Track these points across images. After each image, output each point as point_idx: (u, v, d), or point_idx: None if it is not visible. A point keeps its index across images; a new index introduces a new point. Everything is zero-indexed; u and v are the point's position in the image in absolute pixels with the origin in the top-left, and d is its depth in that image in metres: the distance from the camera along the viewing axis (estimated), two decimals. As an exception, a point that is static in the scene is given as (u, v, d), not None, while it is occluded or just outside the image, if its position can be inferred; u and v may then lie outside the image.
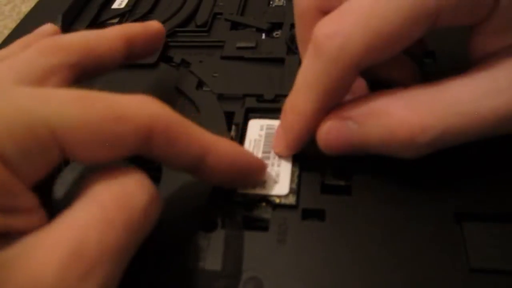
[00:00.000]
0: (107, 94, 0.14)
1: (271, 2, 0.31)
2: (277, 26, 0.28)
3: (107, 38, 0.19)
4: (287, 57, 0.25)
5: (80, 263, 0.11)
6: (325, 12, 0.18)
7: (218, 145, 0.16)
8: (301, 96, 0.17)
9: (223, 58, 0.26)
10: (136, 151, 0.14)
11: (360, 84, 0.20)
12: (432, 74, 0.22)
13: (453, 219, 0.17)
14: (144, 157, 0.15)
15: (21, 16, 0.35)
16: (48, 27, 0.22)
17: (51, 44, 0.18)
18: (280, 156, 0.19)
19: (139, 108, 0.14)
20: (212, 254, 0.17)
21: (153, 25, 0.22)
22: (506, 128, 0.15)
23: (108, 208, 0.13)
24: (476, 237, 0.16)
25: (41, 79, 0.17)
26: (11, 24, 0.41)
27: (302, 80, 0.17)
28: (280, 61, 0.25)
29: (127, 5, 0.32)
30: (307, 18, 0.19)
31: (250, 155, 0.18)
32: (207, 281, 0.16)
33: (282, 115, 0.19)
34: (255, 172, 0.18)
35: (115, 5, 0.33)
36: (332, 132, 0.17)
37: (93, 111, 0.13)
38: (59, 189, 0.19)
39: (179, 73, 0.25)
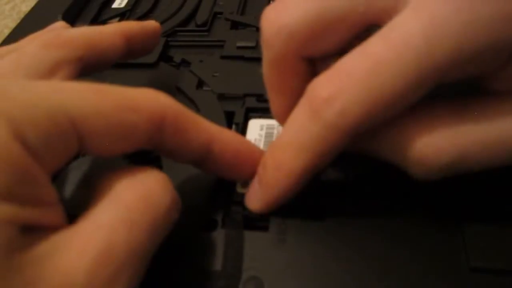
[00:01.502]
0: (118, 87, 0.14)
1: (271, 1, 0.31)
2: (277, 25, 0.28)
3: (108, 34, 0.20)
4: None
5: (110, 264, 0.12)
6: (305, 58, 0.16)
7: (223, 133, 0.16)
8: (290, 154, 0.16)
9: (223, 57, 0.26)
10: (149, 142, 0.14)
11: None
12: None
13: (453, 219, 0.17)
14: (153, 151, 0.15)
15: (21, 15, 0.35)
16: (59, 25, 0.22)
17: (56, 38, 0.18)
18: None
19: (150, 99, 0.14)
20: (212, 254, 0.17)
21: (150, 24, 0.22)
22: None
23: (134, 208, 0.13)
24: (476, 237, 0.16)
25: (48, 74, 0.17)
26: (11, 23, 0.41)
27: (291, 138, 0.16)
28: (280, 60, 0.25)
29: (127, 4, 0.32)
30: (284, 64, 0.16)
31: (253, 145, 0.18)
32: (207, 281, 0.16)
33: (261, 170, 0.17)
34: (258, 161, 0.18)
35: (115, 5, 0.33)
36: None
37: (108, 101, 0.13)
38: (59, 187, 0.19)
39: (179, 72, 0.25)
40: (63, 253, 0.11)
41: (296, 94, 0.16)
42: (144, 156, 0.21)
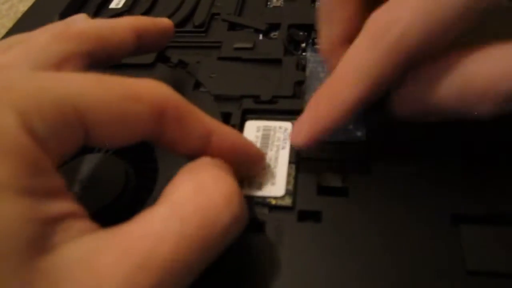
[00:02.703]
0: (121, 77, 0.14)
1: (268, 3, 0.31)
2: (275, 27, 0.28)
3: (119, 28, 0.20)
4: (284, 58, 0.25)
5: (150, 276, 0.11)
6: None
7: (221, 127, 0.16)
8: (346, 83, 0.16)
9: (220, 58, 0.26)
10: (150, 132, 0.14)
11: None
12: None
13: (450, 221, 0.17)
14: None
15: (19, 15, 0.35)
16: (81, 16, 0.22)
17: (66, 31, 0.18)
18: (276, 157, 0.19)
19: (153, 89, 0.14)
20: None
21: (163, 21, 0.22)
22: None
23: (188, 221, 0.12)
24: (473, 239, 0.16)
25: (56, 66, 0.17)
26: (8, 23, 0.41)
27: (349, 66, 0.16)
28: (277, 62, 0.25)
29: (124, 5, 0.32)
30: None
31: (250, 141, 0.18)
32: (203, 282, 0.16)
33: (313, 103, 0.17)
34: (255, 158, 0.18)
35: (112, 5, 0.32)
36: (406, 92, 0.16)
37: (112, 91, 0.13)
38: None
39: (176, 73, 0.25)
40: (100, 256, 0.11)
41: (348, 25, 0.17)
42: (141, 157, 0.21)
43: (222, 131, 0.16)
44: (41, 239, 0.11)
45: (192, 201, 0.13)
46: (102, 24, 0.19)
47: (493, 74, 0.14)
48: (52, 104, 0.12)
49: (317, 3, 0.30)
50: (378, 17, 0.15)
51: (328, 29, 0.19)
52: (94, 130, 0.13)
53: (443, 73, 0.15)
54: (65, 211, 0.12)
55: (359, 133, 0.20)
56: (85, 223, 0.12)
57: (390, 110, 0.17)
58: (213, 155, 0.16)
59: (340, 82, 0.16)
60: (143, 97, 0.14)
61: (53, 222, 0.11)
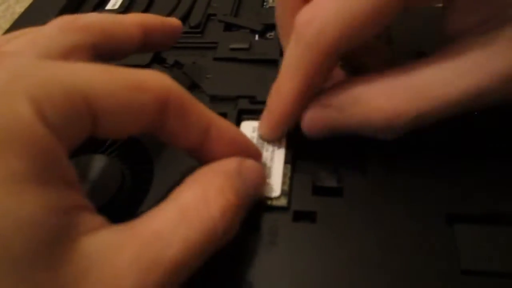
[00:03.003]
0: (126, 68, 0.14)
1: (264, 3, 0.31)
2: (271, 27, 0.28)
3: (126, 23, 0.20)
4: (280, 59, 0.25)
5: (154, 277, 0.12)
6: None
7: (221, 120, 0.17)
8: (285, 79, 0.18)
9: (216, 59, 0.26)
10: (153, 122, 0.15)
11: (339, 73, 0.21)
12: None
13: (444, 221, 0.17)
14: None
15: (15, 16, 0.35)
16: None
17: (72, 22, 0.18)
18: (272, 157, 0.19)
19: (157, 80, 0.15)
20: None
21: (171, 21, 0.23)
22: (476, 106, 0.16)
23: (194, 230, 0.13)
24: (467, 239, 0.16)
25: (62, 56, 0.17)
26: (5, 24, 0.41)
27: (286, 64, 0.18)
28: (273, 62, 0.25)
29: (120, 6, 0.32)
30: (288, 4, 0.20)
31: (246, 136, 0.18)
32: (198, 283, 0.16)
33: (268, 97, 0.19)
34: (252, 154, 0.18)
35: (109, 6, 0.32)
36: (314, 119, 0.18)
37: (119, 81, 0.14)
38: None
39: (172, 74, 0.25)
40: (117, 253, 0.12)
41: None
42: (136, 158, 0.21)
43: (221, 124, 0.16)
44: (65, 229, 0.11)
45: (196, 209, 0.14)
46: (110, 18, 0.19)
47: (389, 112, 0.16)
48: (63, 92, 0.12)
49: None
50: (301, 14, 0.17)
51: (287, 40, 0.20)
52: (101, 119, 0.13)
53: (349, 106, 0.17)
54: (80, 203, 0.12)
55: None
56: (97, 217, 0.13)
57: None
58: (211, 149, 0.16)
59: (281, 76, 0.18)
60: (148, 87, 0.14)
61: (72, 213, 0.12)
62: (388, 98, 0.16)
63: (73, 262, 0.11)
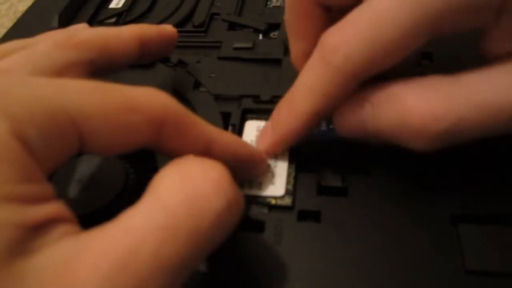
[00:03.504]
0: (121, 86, 0.14)
1: (268, 3, 0.31)
2: (274, 26, 0.28)
3: (123, 37, 0.20)
4: (284, 58, 0.25)
5: (130, 277, 0.10)
6: (321, 4, 0.18)
7: (222, 136, 0.16)
8: (301, 97, 0.17)
9: (220, 58, 0.26)
10: (148, 142, 0.14)
11: None
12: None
13: (448, 221, 0.17)
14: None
15: (18, 15, 0.35)
16: (82, 26, 0.22)
17: (69, 39, 0.18)
18: (276, 157, 0.19)
19: (152, 100, 0.14)
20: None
21: (167, 29, 0.22)
22: None
23: (173, 213, 0.11)
24: (471, 239, 0.16)
25: (57, 74, 0.17)
26: (8, 23, 0.41)
27: (304, 82, 0.17)
28: (277, 61, 0.25)
29: (124, 4, 0.32)
30: (302, 8, 0.18)
31: (251, 146, 0.18)
32: (203, 282, 0.16)
33: (275, 113, 0.19)
34: (257, 162, 0.18)
35: (112, 5, 0.32)
36: (347, 113, 0.17)
37: (110, 100, 0.13)
38: (60, 187, 0.19)
39: (176, 73, 0.25)
40: (76, 259, 0.10)
41: (313, 40, 0.17)
42: (141, 157, 0.21)
43: (223, 139, 0.16)
44: (22, 243, 0.10)
45: (178, 191, 0.12)
46: (107, 33, 0.19)
47: (426, 114, 0.15)
48: (46, 112, 0.12)
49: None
50: (327, 38, 0.16)
51: (295, 44, 0.19)
52: (89, 139, 0.13)
53: (384, 103, 0.16)
54: (51, 217, 0.11)
55: None
56: (72, 228, 0.12)
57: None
58: None
59: (298, 96, 0.18)
60: (141, 107, 0.14)
61: (38, 227, 0.11)
62: (427, 100, 0.15)
63: (25, 276, 0.10)
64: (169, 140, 0.15)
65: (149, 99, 0.14)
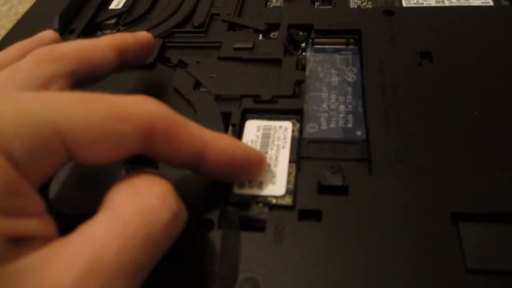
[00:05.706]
0: (108, 95, 0.14)
1: (268, 3, 0.31)
2: (274, 27, 0.28)
3: (101, 48, 0.20)
4: (284, 58, 0.25)
5: (98, 279, 0.11)
6: None
7: (216, 140, 0.16)
8: None
9: (220, 59, 0.26)
10: (139, 150, 0.14)
11: None
12: (430, 75, 0.22)
13: (449, 219, 0.17)
14: (145, 157, 0.15)
15: (18, 16, 0.35)
16: (48, 33, 0.22)
17: (48, 53, 0.18)
18: (276, 156, 0.19)
19: (140, 108, 0.14)
20: (208, 255, 0.17)
21: (143, 36, 0.22)
22: None
23: (130, 223, 0.12)
24: (472, 238, 0.16)
25: (41, 88, 0.17)
26: (8, 24, 0.41)
27: None
28: (277, 61, 0.25)
29: (124, 5, 0.32)
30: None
31: (248, 148, 0.18)
32: (204, 281, 0.16)
33: None
34: (255, 164, 0.18)
35: (112, 6, 0.32)
36: None
37: (97, 111, 0.13)
38: (54, 190, 0.19)
39: (176, 73, 0.25)
40: (50, 266, 0.11)
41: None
42: (141, 157, 0.21)
43: (218, 144, 0.16)
44: (2, 254, 0.11)
45: (130, 204, 0.13)
46: (84, 44, 0.19)
47: None
48: (32, 126, 0.12)
49: (317, 4, 0.30)
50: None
51: None
52: (77, 150, 0.13)
53: None
54: (34, 231, 0.12)
55: (358, 132, 0.20)
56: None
57: None
58: (210, 168, 0.16)
59: None
60: (130, 116, 0.14)
61: (19, 240, 0.11)
62: None
63: (4, 286, 0.11)
64: (161, 147, 0.15)
65: (137, 107, 0.14)
